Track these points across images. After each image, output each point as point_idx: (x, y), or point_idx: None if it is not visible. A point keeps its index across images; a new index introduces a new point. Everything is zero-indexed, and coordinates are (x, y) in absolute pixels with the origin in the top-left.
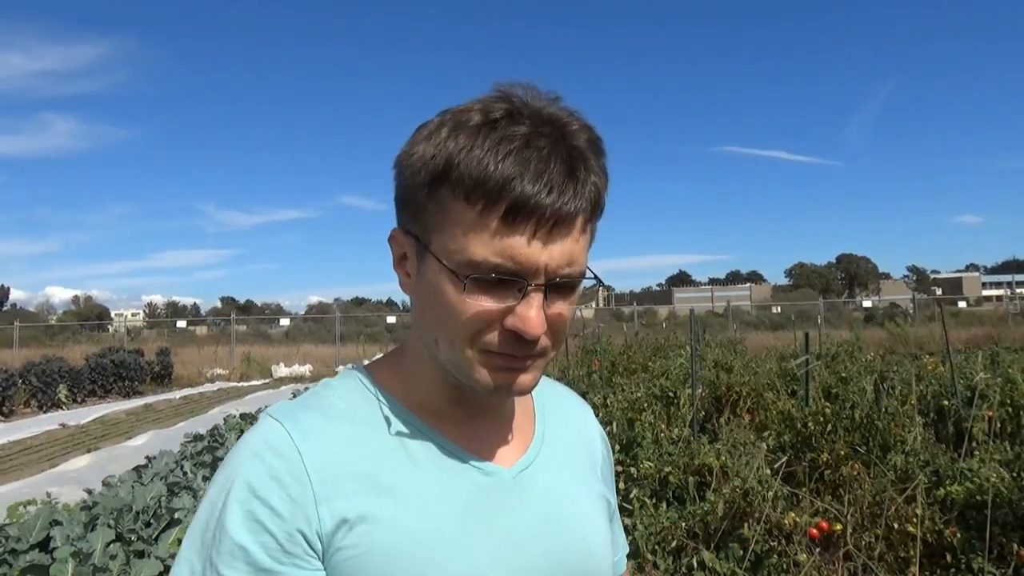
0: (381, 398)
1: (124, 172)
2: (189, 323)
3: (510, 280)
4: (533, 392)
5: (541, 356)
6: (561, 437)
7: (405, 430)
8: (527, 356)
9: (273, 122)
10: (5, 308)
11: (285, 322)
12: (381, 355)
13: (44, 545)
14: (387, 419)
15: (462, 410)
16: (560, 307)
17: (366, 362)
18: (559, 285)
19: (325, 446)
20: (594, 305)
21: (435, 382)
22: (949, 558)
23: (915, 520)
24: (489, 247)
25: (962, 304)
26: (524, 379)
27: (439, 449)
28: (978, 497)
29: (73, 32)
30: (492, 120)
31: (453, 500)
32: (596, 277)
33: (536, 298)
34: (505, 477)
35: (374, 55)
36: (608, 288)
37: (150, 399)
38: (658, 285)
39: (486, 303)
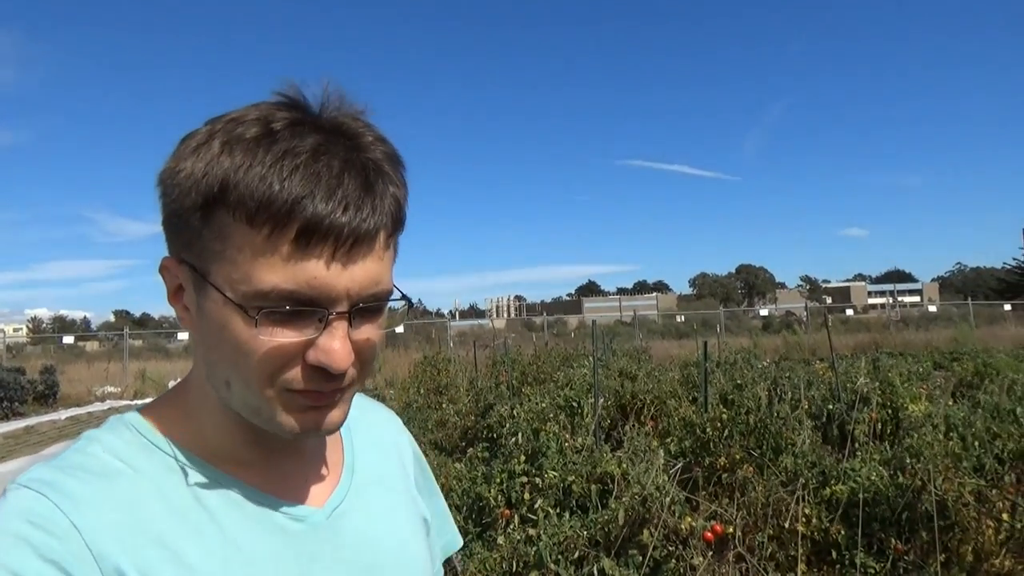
0: (164, 448)
1: (5, 177)
2: (78, 339)
3: (308, 310)
4: None
5: (349, 388)
6: (372, 460)
7: (199, 482)
8: (334, 390)
9: (165, 124)
10: None
11: (184, 336)
12: (153, 398)
13: None
14: (176, 472)
15: (261, 451)
16: (367, 331)
17: (132, 406)
18: (364, 309)
19: (105, 515)
20: (506, 315)
21: (227, 424)
22: (834, 554)
23: (804, 520)
24: (280, 274)
25: (850, 312)
26: (333, 416)
27: (242, 498)
28: (860, 495)
29: None
30: (272, 132)
31: (263, 558)
32: (404, 296)
33: (340, 327)
34: (318, 519)
35: (272, 50)
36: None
37: (32, 420)
38: (568, 295)
39: (282, 337)
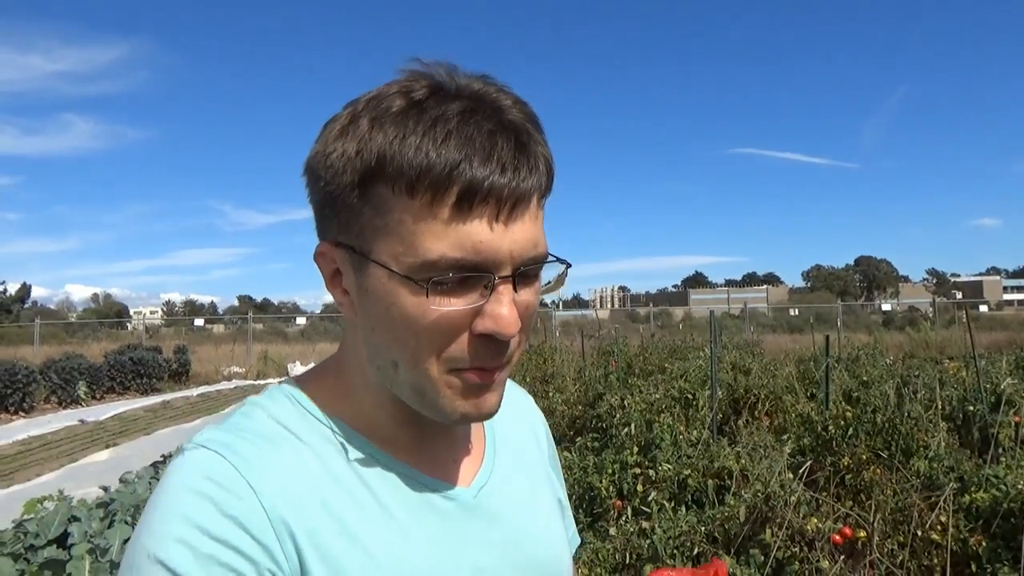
0: (323, 420)
1: (142, 172)
2: (207, 321)
3: (474, 276)
4: None
5: (508, 364)
6: (511, 439)
7: (357, 456)
8: (498, 366)
9: (287, 121)
10: (26, 306)
11: (301, 321)
12: (306, 370)
13: (62, 541)
14: (334, 444)
15: (414, 431)
16: (527, 296)
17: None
18: (525, 273)
19: (276, 478)
20: (610, 306)
21: (384, 404)
22: (974, 567)
23: (939, 528)
24: (444, 240)
25: (983, 308)
26: (491, 400)
27: (397, 475)
28: (1005, 505)
29: (92, 34)
30: (416, 102)
31: (418, 535)
32: (559, 259)
33: (506, 292)
34: (467, 499)
35: (391, 54)
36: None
37: (168, 396)
38: (674, 286)
39: (451, 307)
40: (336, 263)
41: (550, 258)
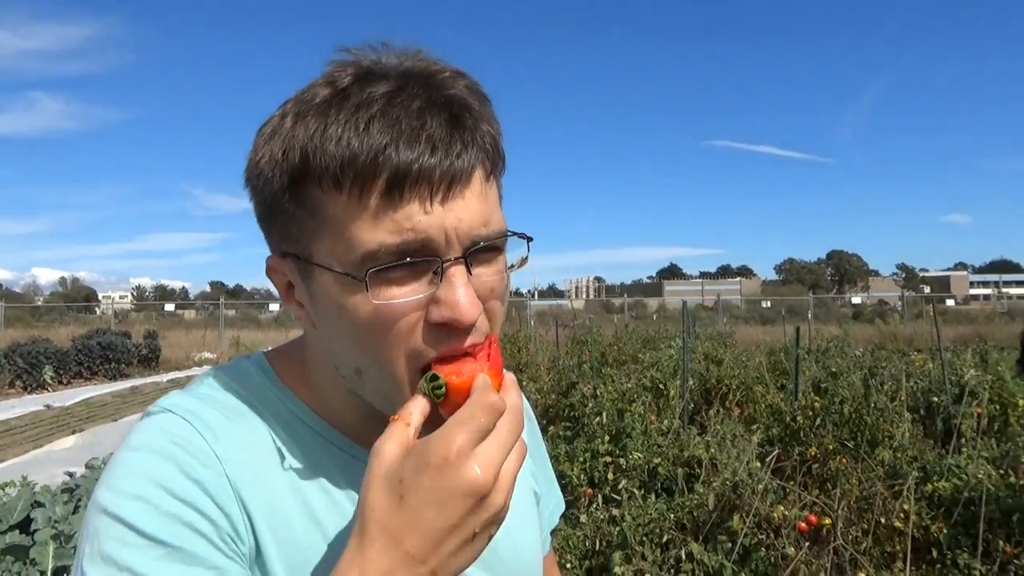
0: (290, 402)
1: (114, 153)
2: (177, 307)
3: (421, 263)
4: None
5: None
6: None
7: (323, 440)
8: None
9: (260, 104)
10: None
11: (275, 307)
12: (274, 348)
13: (25, 527)
14: (303, 428)
15: (379, 425)
16: (489, 277)
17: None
18: (480, 252)
19: (242, 450)
20: (585, 296)
21: (349, 400)
22: (935, 553)
23: (902, 516)
24: (380, 229)
25: (950, 302)
26: None
27: (362, 464)
28: (965, 493)
29: (64, 12)
30: (341, 89)
31: None
32: (518, 234)
33: (459, 275)
34: None
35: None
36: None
37: (137, 382)
38: (648, 278)
39: (400, 298)
40: (287, 275)
41: (508, 234)
